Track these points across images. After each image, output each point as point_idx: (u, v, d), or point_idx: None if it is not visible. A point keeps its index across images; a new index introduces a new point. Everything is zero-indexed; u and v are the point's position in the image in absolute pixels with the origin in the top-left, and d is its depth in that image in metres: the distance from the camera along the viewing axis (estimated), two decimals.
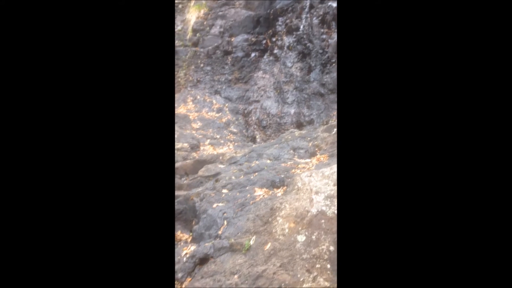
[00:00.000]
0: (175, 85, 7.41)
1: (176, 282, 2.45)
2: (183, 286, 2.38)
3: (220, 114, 6.93)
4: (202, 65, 7.33)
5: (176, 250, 2.84)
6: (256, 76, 7.00)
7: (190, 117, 6.75)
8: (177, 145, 5.27)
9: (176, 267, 2.55)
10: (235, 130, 6.62)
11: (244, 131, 6.72)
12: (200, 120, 6.71)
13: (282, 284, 2.06)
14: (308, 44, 6.28)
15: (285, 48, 6.68)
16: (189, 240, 3.13)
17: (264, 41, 7.06)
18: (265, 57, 7.00)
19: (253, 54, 7.07)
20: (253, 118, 6.83)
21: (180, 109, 6.85)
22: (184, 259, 2.58)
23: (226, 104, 7.09)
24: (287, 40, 6.68)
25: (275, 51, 6.86)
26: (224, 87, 7.20)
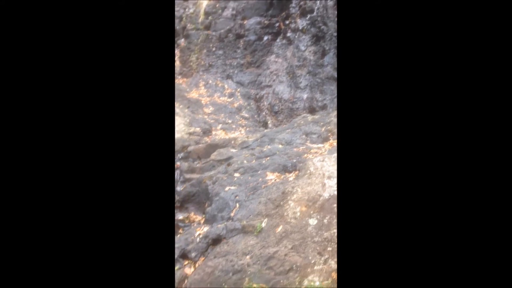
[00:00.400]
0: (187, 69, 7.39)
1: (189, 261, 2.53)
2: (197, 265, 2.45)
3: (232, 99, 6.91)
4: (214, 49, 7.26)
5: (189, 230, 2.92)
6: (268, 60, 6.90)
7: (202, 101, 6.76)
8: (190, 129, 5.31)
9: (190, 247, 2.62)
10: (246, 115, 6.60)
11: (255, 116, 6.70)
12: (212, 104, 6.72)
13: (294, 266, 2.09)
14: (323, 27, 6.11)
15: (299, 31, 6.52)
16: (202, 221, 3.20)
17: (277, 24, 6.90)
18: (278, 40, 6.86)
19: (265, 38, 6.95)
20: (265, 103, 6.78)
21: (192, 94, 6.86)
22: (198, 239, 2.65)
23: (238, 89, 7.05)
24: (301, 22, 6.51)
25: (288, 34, 6.71)
26: (236, 72, 7.14)
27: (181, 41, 7.49)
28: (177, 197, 3.59)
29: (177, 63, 7.44)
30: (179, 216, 3.47)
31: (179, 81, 7.27)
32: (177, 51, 7.46)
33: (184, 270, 2.40)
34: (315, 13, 6.31)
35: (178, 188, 3.72)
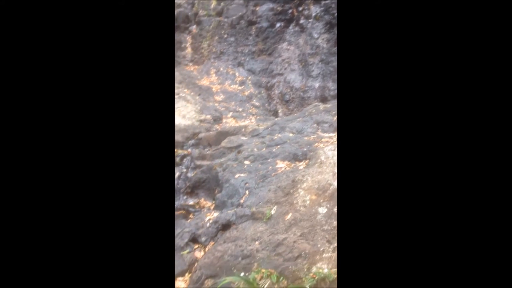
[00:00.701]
0: (199, 56, 7.36)
1: (199, 245, 2.58)
2: (206, 249, 2.50)
3: (242, 87, 6.87)
4: (226, 35, 7.19)
5: (199, 215, 2.96)
6: (280, 47, 6.80)
7: (213, 89, 6.75)
8: (201, 116, 5.33)
9: (200, 231, 2.67)
10: (257, 103, 6.57)
11: (266, 105, 6.66)
12: (223, 92, 6.70)
13: (302, 253, 2.11)
14: (337, 14, 5.95)
15: (312, 18, 6.38)
16: (211, 207, 3.24)
17: (290, 11, 6.76)
18: (290, 27, 6.74)
19: (278, 25, 6.83)
20: (276, 92, 6.72)
21: (203, 81, 6.85)
22: (208, 224, 2.69)
23: (249, 77, 7.00)
24: (314, 9, 6.36)
25: (301, 21, 6.58)
26: (247, 59, 7.07)
27: (192, 28, 7.44)
28: (187, 183, 3.64)
29: (189, 50, 7.41)
30: (189, 201, 3.53)
31: (190, 68, 7.26)
32: (188, 38, 7.42)
33: (194, 254, 2.45)
34: (329, 0, 6.14)
35: (189, 174, 3.77)
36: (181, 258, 2.42)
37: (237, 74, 7.08)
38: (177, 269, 2.34)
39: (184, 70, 7.06)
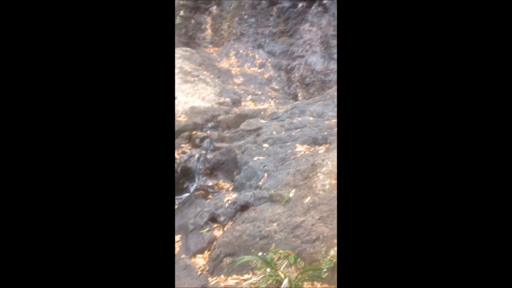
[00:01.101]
0: (219, 38, 7.28)
1: (218, 224, 2.63)
2: (225, 228, 2.55)
3: (262, 69, 6.78)
4: (246, 16, 7.05)
5: (218, 196, 3.02)
6: (302, 28, 6.60)
7: (232, 71, 6.70)
8: (220, 99, 5.33)
9: (219, 211, 2.72)
10: (276, 87, 6.48)
11: (286, 88, 6.56)
12: (242, 75, 6.65)
13: (320, 236, 2.11)
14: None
15: None
16: (230, 189, 3.29)
17: None
18: (313, 7, 6.50)
19: (300, 5, 6.60)
20: (296, 74, 6.59)
21: (222, 63, 6.81)
22: (226, 205, 2.73)
23: (269, 59, 6.88)
24: None
25: (324, 1, 6.32)
26: (267, 41, 6.93)
27: (213, 8, 7.33)
28: (207, 165, 3.69)
29: (209, 31, 7.34)
30: (208, 182, 3.59)
31: (210, 50, 7.22)
32: (208, 19, 7.33)
33: (213, 233, 2.51)
34: None
35: (208, 156, 3.82)
36: (201, 236, 2.49)
37: (256, 56, 6.98)
38: (197, 247, 2.41)
39: (204, 52, 7.02)
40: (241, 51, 7.10)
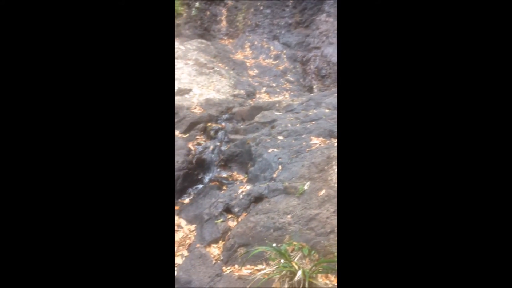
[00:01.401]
0: (234, 29, 7.24)
1: (232, 215, 2.65)
2: (239, 219, 2.57)
3: (277, 61, 6.71)
4: (261, 7, 6.96)
5: (233, 188, 3.03)
6: (318, 19, 6.47)
7: (247, 63, 6.67)
8: (234, 91, 5.33)
9: (233, 202, 2.74)
10: (291, 79, 6.41)
11: (301, 80, 6.48)
12: (257, 67, 6.61)
13: (335, 229, 2.09)
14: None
15: None
16: (244, 180, 3.30)
17: None
18: None
19: None
20: (312, 66, 6.49)
21: (237, 55, 6.78)
22: (241, 196, 2.75)
23: (284, 51, 6.80)
24: None
25: None
26: (283, 32, 6.84)
27: (228, 0, 7.28)
28: (221, 156, 3.71)
29: (224, 23, 7.31)
30: (222, 174, 3.61)
31: (225, 42, 7.19)
32: (224, 10, 7.29)
33: (228, 223, 2.54)
34: None
35: (223, 147, 3.83)
36: (215, 226, 2.52)
37: (272, 48, 6.91)
38: (211, 236, 2.44)
39: (219, 44, 7.01)
40: (256, 42, 7.04)
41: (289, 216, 2.33)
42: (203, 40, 6.69)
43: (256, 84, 5.99)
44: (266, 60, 6.78)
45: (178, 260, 2.25)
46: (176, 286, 2.10)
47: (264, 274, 1.94)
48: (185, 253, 2.31)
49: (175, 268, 2.21)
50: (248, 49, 6.97)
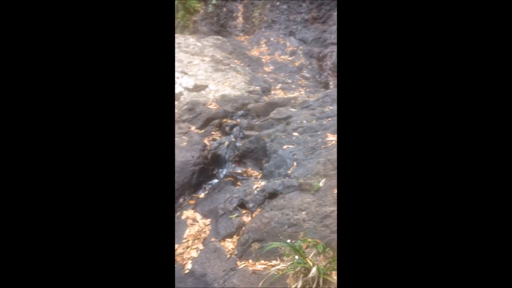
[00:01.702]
0: (250, 25, 7.23)
1: (247, 211, 2.67)
2: (254, 215, 2.58)
3: (293, 57, 6.66)
4: (278, 3, 6.91)
5: (247, 183, 3.05)
6: (335, 15, 6.36)
7: (263, 60, 6.65)
8: (250, 87, 5.33)
9: (247, 198, 2.75)
10: (307, 75, 6.34)
11: (317, 76, 6.40)
12: (272, 63, 6.58)
13: None
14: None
15: None
16: (259, 176, 3.31)
17: None
18: None
19: None
20: (328, 62, 6.40)
21: (253, 52, 6.77)
22: (255, 191, 2.76)
23: (300, 47, 6.73)
24: None
25: None
26: (299, 28, 6.76)
27: None
28: (236, 152, 3.73)
29: (240, 19, 7.30)
30: (237, 169, 3.63)
31: (241, 38, 7.19)
32: (240, 7, 7.29)
33: (242, 218, 2.55)
34: None
35: (238, 143, 3.85)
36: (230, 221, 2.54)
37: (288, 44, 6.85)
38: (226, 231, 2.47)
39: (235, 40, 7.02)
40: (272, 38, 7.00)
41: (303, 212, 2.32)
42: (220, 37, 6.72)
43: (271, 80, 5.96)
44: (281, 56, 6.73)
45: (193, 253, 2.29)
46: (191, 279, 2.14)
47: (278, 269, 1.94)
48: (200, 246, 2.35)
49: (190, 261, 2.24)
50: (264, 45, 6.94)
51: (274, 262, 2.06)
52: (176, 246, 2.38)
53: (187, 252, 2.31)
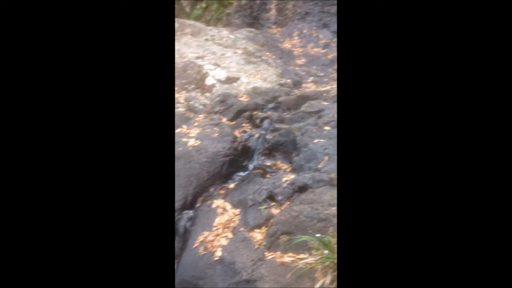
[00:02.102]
0: (283, 18, 7.14)
1: (276, 203, 2.68)
2: (282, 207, 2.59)
3: (326, 50, 6.49)
4: None
5: (276, 176, 3.05)
6: None
7: (295, 52, 6.56)
8: (281, 80, 5.29)
9: (276, 190, 2.76)
10: None
11: None
12: (305, 56, 6.46)
13: None
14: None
15: None
16: (288, 170, 3.30)
17: None
18: None
19: None
20: None
21: (285, 44, 6.69)
22: (284, 184, 2.76)
23: (334, 39, 6.54)
24: None
25: None
26: (333, 20, 6.57)
27: None
28: (266, 145, 3.74)
29: (273, 11, 7.23)
30: (266, 162, 3.65)
31: (274, 31, 7.13)
32: None
33: (271, 210, 2.57)
34: None
35: (268, 136, 3.86)
36: (259, 212, 2.57)
37: (321, 36, 6.69)
38: (255, 222, 2.50)
39: (267, 32, 6.97)
40: (305, 31, 6.87)
41: (333, 208, 2.29)
42: (252, 29, 6.70)
43: (303, 73, 5.87)
44: (314, 49, 6.59)
45: (223, 241, 2.35)
46: (220, 266, 2.20)
47: (307, 263, 1.94)
48: (230, 235, 2.40)
49: (220, 249, 2.31)
50: (296, 37, 6.84)
51: (302, 256, 2.06)
52: (206, 233, 2.46)
53: (217, 239, 2.38)
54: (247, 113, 4.15)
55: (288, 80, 5.38)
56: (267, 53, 6.12)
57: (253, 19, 7.22)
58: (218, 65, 5.12)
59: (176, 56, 5.27)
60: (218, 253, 2.26)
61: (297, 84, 5.42)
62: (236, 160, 3.49)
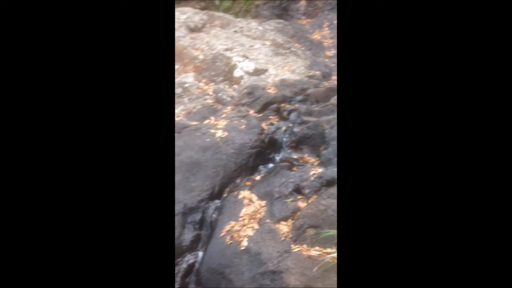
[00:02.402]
0: (313, 8, 6.96)
1: (302, 196, 2.65)
2: (309, 201, 2.55)
3: None
4: None
5: (304, 169, 3.02)
6: None
7: (324, 44, 6.39)
8: (310, 72, 5.19)
9: (304, 183, 2.73)
10: None
11: None
12: (335, 47, 6.27)
13: None
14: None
15: None
16: (316, 163, 3.24)
17: None
18: None
19: None
20: None
21: (315, 35, 6.54)
22: (312, 178, 2.72)
23: None
24: None
25: None
26: None
27: None
28: (293, 138, 3.70)
29: (302, 2, 7.07)
30: (293, 155, 3.61)
31: (303, 22, 6.98)
32: None
33: (298, 203, 2.55)
34: None
35: (295, 129, 3.81)
36: (285, 204, 2.56)
37: None
38: (281, 214, 2.49)
39: (296, 24, 6.84)
40: (335, 21, 6.66)
41: None
42: (281, 20, 6.61)
43: (332, 65, 5.71)
44: None
45: (249, 232, 2.37)
46: (246, 256, 2.22)
47: (334, 258, 1.91)
48: (256, 226, 2.42)
49: (246, 239, 2.33)
50: (326, 28, 6.65)
51: (329, 250, 2.03)
52: (232, 223, 2.49)
53: (243, 230, 2.40)
54: (274, 105, 4.12)
55: (317, 72, 5.26)
56: (296, 45, 6.01)
57: (282, 10, 7.11)
58: (247, 57, 5.11)
59: (205, 48, 5.33)
60: (244, 243, 2.29)
61: (326, 76, 5.28)
62: (263, 152, 3.49)
